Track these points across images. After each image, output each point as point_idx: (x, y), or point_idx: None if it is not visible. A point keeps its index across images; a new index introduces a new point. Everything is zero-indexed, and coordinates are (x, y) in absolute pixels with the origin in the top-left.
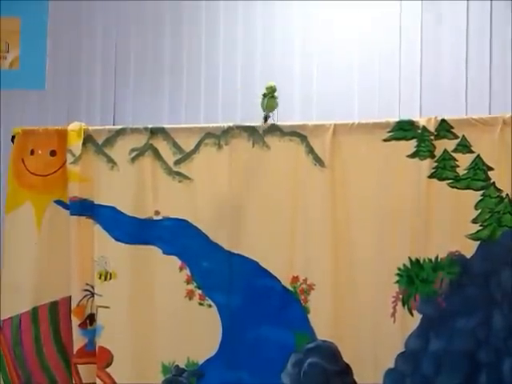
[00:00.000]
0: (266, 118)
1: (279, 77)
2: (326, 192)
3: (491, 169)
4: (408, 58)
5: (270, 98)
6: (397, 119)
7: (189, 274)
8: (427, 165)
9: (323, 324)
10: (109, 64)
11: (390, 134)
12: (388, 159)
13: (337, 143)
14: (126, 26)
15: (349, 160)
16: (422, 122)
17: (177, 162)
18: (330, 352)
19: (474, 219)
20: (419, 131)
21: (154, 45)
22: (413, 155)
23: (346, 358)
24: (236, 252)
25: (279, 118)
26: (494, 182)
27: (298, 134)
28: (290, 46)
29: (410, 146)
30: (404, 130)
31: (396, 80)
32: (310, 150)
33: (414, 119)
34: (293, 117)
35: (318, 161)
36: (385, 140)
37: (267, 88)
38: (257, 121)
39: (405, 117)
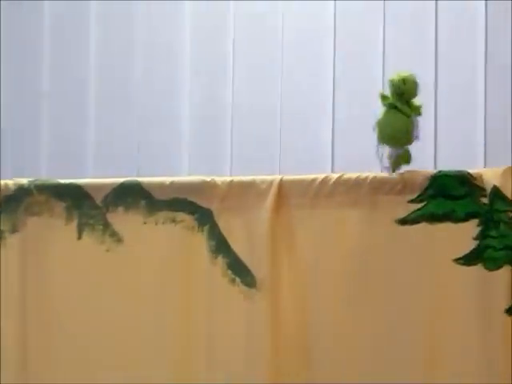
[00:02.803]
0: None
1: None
2: (259, 349)
3: None
4: None
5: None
6: (433, 170)
7: None
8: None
9: None
10: None
11: (419, 204)
12: (410, 268)
13: (288, 226)
14: None
15: (314, 270)
16: (491, 176)
17: None
18: None
19: None
20: (485, 200)
21: None
22: (471, 258)
23: None
24: None
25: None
26: None
27: (190, 204)
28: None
29: (465, 234)
30: (450, 195)
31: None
32: (220, 246)
33: (473, 171)
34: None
35: (241, 273)
36: (402, 221)
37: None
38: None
39: (449, 167)
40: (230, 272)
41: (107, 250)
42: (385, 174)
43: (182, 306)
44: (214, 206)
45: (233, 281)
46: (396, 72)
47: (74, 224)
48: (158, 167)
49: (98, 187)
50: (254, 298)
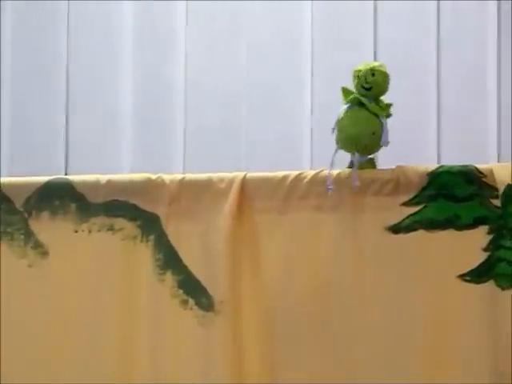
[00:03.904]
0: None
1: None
2: None
3: None
4: None
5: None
6: (432, 165)
7: None
8: None
9: None
10: None
11: (415, 208)
12: (403, 286)
13: (252, 236)
14: None
15: (284, 289)
16: (504, 173)
17: None
18: None
19: None
20: (497, 202)
21: None
22: (480, 273)
23: None
24: None
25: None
26: None
27: (132, 208)
28: None
29: (472, 245)
30: (454, 196)
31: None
32: (169, 260)
33: (482, 166)
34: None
35: (195, 293)
36: (395, 228)
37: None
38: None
39: (453, 161)
40: (181, 292)
41: (30, 266)
42: (372, 171)
43: (123, 334)
44: (161, 211)
45: (185, 302)
46: (363, 62)
47: None
48: (92, 162)
49: (18, 187)
50: (211, 324)
